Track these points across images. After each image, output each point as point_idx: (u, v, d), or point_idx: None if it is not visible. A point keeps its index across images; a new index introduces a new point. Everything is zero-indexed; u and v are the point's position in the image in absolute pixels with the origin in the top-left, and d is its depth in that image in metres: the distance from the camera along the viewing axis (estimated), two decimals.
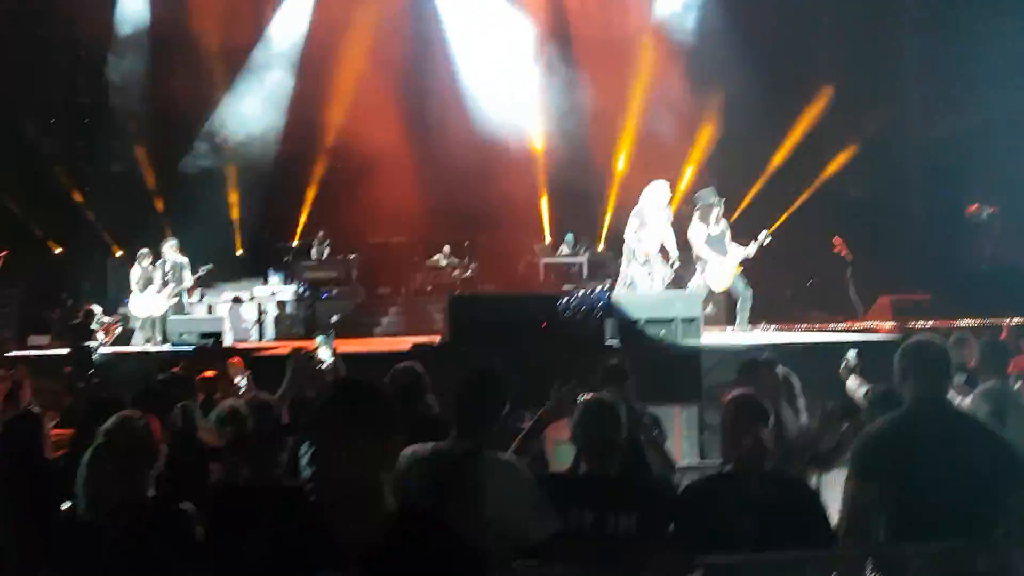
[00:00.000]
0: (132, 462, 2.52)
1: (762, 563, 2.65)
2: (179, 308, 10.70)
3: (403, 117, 14.74)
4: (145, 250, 10.77)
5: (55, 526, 2.56)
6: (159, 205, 14.04)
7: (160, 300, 10.67)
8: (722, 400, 3.00)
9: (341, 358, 3.76)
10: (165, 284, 10.67)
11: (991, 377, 4.25)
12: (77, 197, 13.62)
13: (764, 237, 9.34)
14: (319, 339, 3.65)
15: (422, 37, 15.08)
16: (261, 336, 12.08)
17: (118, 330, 10.69)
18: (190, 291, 11.07)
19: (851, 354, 4.90)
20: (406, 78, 14.66)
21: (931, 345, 2.96)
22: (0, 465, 3.53)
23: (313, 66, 14.65)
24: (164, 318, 10.52)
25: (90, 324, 9.29)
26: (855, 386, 4.76)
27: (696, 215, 9.43)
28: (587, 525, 2.71)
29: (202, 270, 10.89)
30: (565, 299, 8.20)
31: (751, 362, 4.40)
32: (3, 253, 10.48)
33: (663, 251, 9.22)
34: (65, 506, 2.57)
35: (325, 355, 3.61)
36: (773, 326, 10.45)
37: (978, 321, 9.52)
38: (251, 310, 12.30)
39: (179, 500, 2.59)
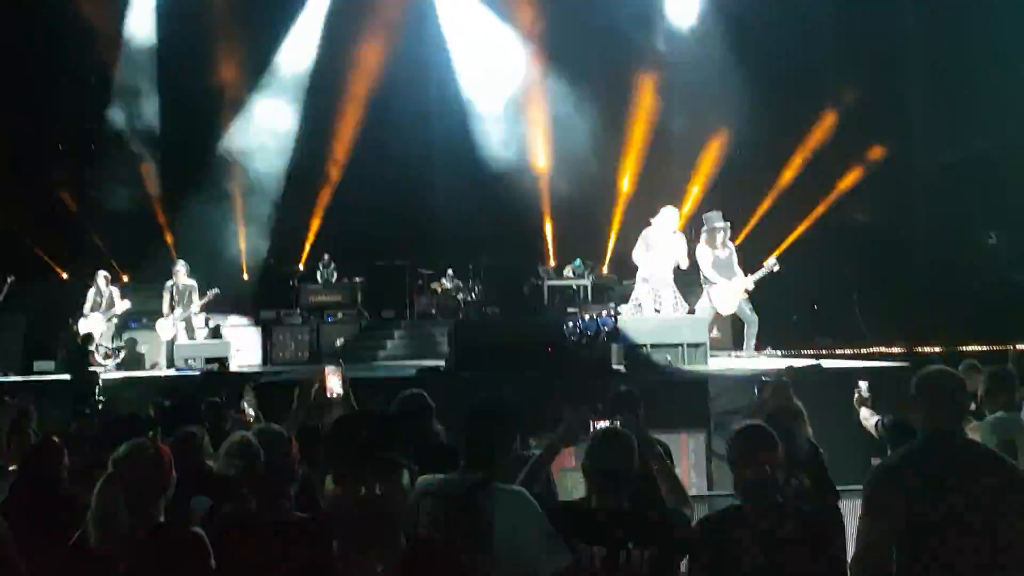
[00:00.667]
0: (143, 490, 2.51)
1: None
2: (189, 331, 10.72)
3: (407, 141, 14.85)
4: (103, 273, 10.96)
5: (68, 555, 2.54)
6: (165, 230, 14.13)
7: (167, 324, 10.72)
8: (732, 429, 2.96)
9: (351, 388, 3.73)
10: (173, 308, 10.71)
11: (999, 407, 4.19)
12: (81, 222, 13.70)
13: (772, 264, 9.32)
14: (329, 368, 3.62)
15: (426, 61, 15.23)
16: (266, 361, 12.08)
17: (121, 355, 10.70)
18: (197, 314, 11.09)
19: (863, 385, 4.86)
20: (410, 102, 14.78)
21: (946, 375, 2.90)
22: (21, 494, 3.52)
23: (321, 91, 14.83)
24: (172, 342, 10.54)
25: (88, 348, 9.30)
26: (867, 416, 4.73)
27: (703, 238, 9.44)
28: (599, 560, 2.68)
29: (210, 294, 10.91)
30: (571, 323, 8.20)
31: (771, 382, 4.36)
32: (9, 280, 10.50)
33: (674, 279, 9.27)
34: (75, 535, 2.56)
35: (335, 384, 3.58)
36: (779, 351, 10.40)
37: (984, 347, 9.47)
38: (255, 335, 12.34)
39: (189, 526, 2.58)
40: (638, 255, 9.27)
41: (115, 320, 10.88)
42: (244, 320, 12.61)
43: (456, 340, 8.57)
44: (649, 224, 9.30)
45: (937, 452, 2.78)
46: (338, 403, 3.61)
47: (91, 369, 8.97)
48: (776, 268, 9.31)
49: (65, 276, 13.72)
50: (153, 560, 2.43)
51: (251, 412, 5.33)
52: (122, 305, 10.78)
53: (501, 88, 15.07)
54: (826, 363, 8.82)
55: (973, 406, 4.65)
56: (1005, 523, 2.67)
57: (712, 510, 3.36)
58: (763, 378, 4.90)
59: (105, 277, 11.00)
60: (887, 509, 2.72)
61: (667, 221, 9.23)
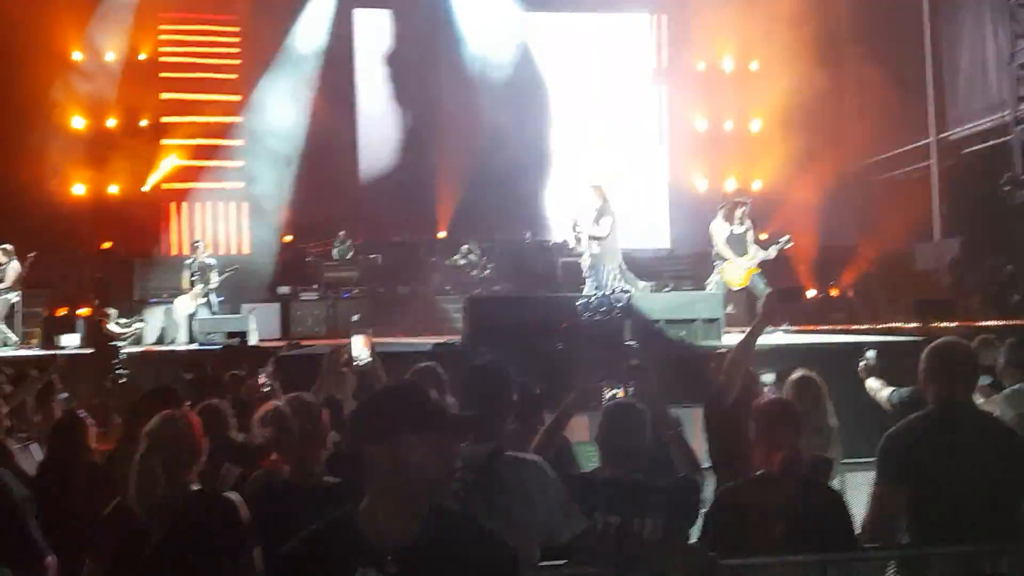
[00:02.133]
0: (178, 458, 2.60)
1: (786, 566, 2.69)
2: (208, 307, 10.90)
3: (422, 120, 14.85)
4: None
5: (106, 521, 2.64)
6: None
7: (187, 299, 10.89)
8: (754, 405, 3.00)
9: (379, 356, 3.76)
10: (193, 284, 10.88)
11: (1016, 380, 4.17)
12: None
13: (785, 241, 9.33)
14: (355, 337, 3.65)
15: (437, 43, 15.21)
16: (285, 336, 12.22)
17: (137, 329, 10.89)
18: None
19: (870, 353, 4.82)
20: (424, 82, 14.77)
21: (958, 346, 2.95)
22: (51, 468, 3.63)
23: (334, 69, 14.85)
24: (192, 317, 10.72)
25: (107, 325, 9.44)
26: (877, 387, 4.71)
27: (720, 213, 9.43)
28: (613, 528, 2.74)
29: (228, 271, 11.09)
30: (585, 299, 8.23)
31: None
32: (32, 255, 10.65)
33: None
34: (114, 503, 2.66)
35: (361, 353, 3.61)
36: (794, 327, 10.41)
37: (1002, 322, 9.44)
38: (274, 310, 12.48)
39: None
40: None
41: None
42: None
43: (471, 316, 8.64)
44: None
45: (947, 422, 2.82)
46: (367, 371, 3.65)
47: (112, 344, 9.12)
48: (789, 244, 9.31)
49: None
50: (191, 524, 2.52)
51: (265, 382, 5.41)
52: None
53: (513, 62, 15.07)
54: (842, 338, 8.85)
55: (990, 379, 4.65)
56: (1014, 491, 2.73)
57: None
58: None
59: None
60: (898, 477, 2.78)
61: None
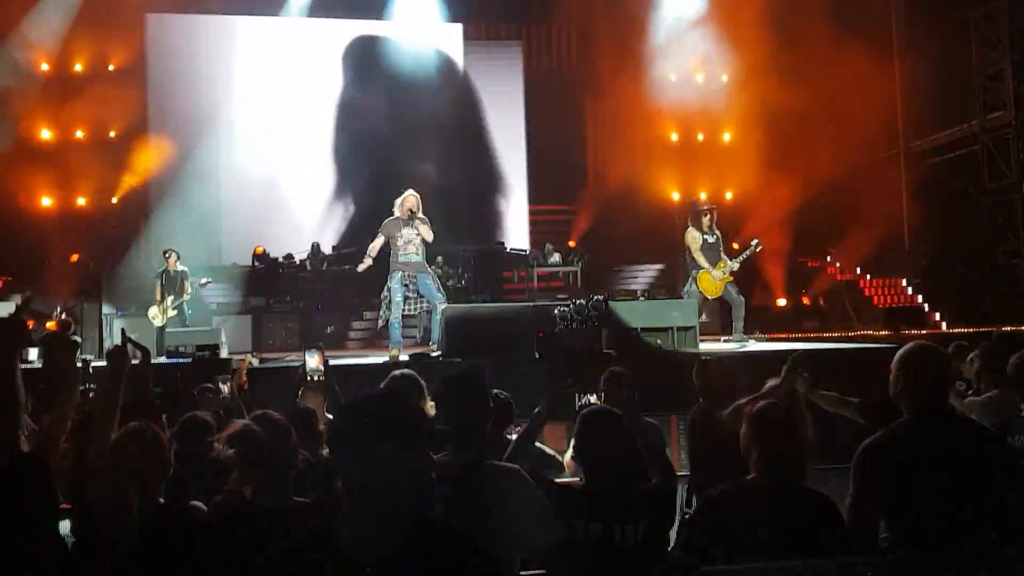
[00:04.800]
0: (144, 473, 2.53)
1: (769, 572, 2.67)
2: (181, 318, 10.72)
3: (395, 129, 14.81)
4: None
5: (69, 542, 2.56)
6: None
7: (158, 311, 10.71)
8: (746, 409, 2.98)
9: (332, 369, 3.71)
10: (164, 295, 10.69)
11: (992, 386, 4.15)
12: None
13: (755, 246, 9.41)
14: (307, 353, 3.60)
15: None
16: (256, 349, 12.06)
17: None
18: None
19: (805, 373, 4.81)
20: (397, 95, 14.76)
21: (931, 351, 2.89)
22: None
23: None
24: (163, 329, 10.53)
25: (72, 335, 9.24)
26: (834, 399, 4.69)
27: (690, 223, 9.50)
28: (594, 537, 2.72)
29: (202, 281, 10.93)
30: (561, 308, 8.22)
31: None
32: (27, 295, 10.44)
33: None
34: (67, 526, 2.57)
35: (315, 368, 3.56)
36: (765, 336, 10.49)
37: (972, 329, 9.58)
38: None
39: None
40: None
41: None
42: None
43: (447, 327, 8.59)
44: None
45: (925, 429, 2.78)
46: (318, 386, 3.59)
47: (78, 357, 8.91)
48: (759, 248, 9.41)
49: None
50: (155, 537, 2.45)
51: (225, 390, 5.32)
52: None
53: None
54: (813, 346, 8.90)
55: (963, 385, 4.66)
56: (994, 498, 2.72)
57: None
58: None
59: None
60: (877, 487, 2.74)
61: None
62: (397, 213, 8.50)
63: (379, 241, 8.61)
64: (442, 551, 1.72)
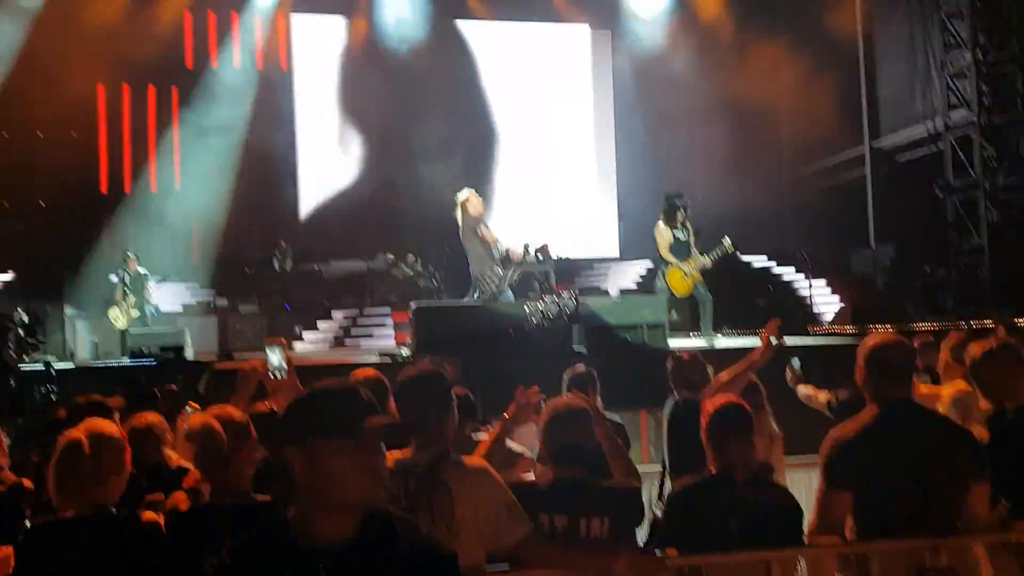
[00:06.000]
0: (98, 470, 2.47)
1: (731, 564, 2.68)
2: (142, 320, 10.55)
3: (366, 128, 14.71)
4: None
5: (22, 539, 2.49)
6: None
7: (119, 312, 10.54)
8: (704, 406, 3.00)
9: (294, 367, 3.64)
10: (125, 296, 10.53)
11: (958, 379, 4.10)
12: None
13: (728, 243, 9.42)
14: (269, 348, 3.52)
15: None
16: (222, 349, 11.90)
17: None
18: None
19: (795, 362, 4.86)
20: (360, 94, 14.66)
21: (895, 344, 2.94)
22: None
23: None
24: (125, 331, 10.36)
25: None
26: (811, 393, 4.74)
27: (661, 218, 9.48)
28: (560, 528, 2.71)
29: (162, 283, 10.80)
30: (531, 306, 8.21)
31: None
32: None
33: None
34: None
35: (277, 364, 3.48)
36: (734, 331, 10.57)
37: (936, 325, 9.72)
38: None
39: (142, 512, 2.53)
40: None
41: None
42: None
43: (418, 326, 8.55)
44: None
45: (891, 420, 2.81)
46: (284, 383, 3.52)
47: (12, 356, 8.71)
48: (730, 247, 9.42)
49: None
50: (109, 544, 2.39)
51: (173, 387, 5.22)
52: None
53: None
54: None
55: (928, 378, 4.72)
56: (956, 487, 2.76)
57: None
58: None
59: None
60: (845, 478, 2.77)
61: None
62: (473, 212, 8.80)
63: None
64: (396, 543, 1.72)
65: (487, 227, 9.06)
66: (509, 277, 8.92)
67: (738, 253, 9.67)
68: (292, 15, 15.18)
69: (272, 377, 3.39)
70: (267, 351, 3.43)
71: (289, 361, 3.44)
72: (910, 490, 2.72)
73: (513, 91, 15.82)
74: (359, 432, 1.65)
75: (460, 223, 8.98)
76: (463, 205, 8.93)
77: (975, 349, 3.33)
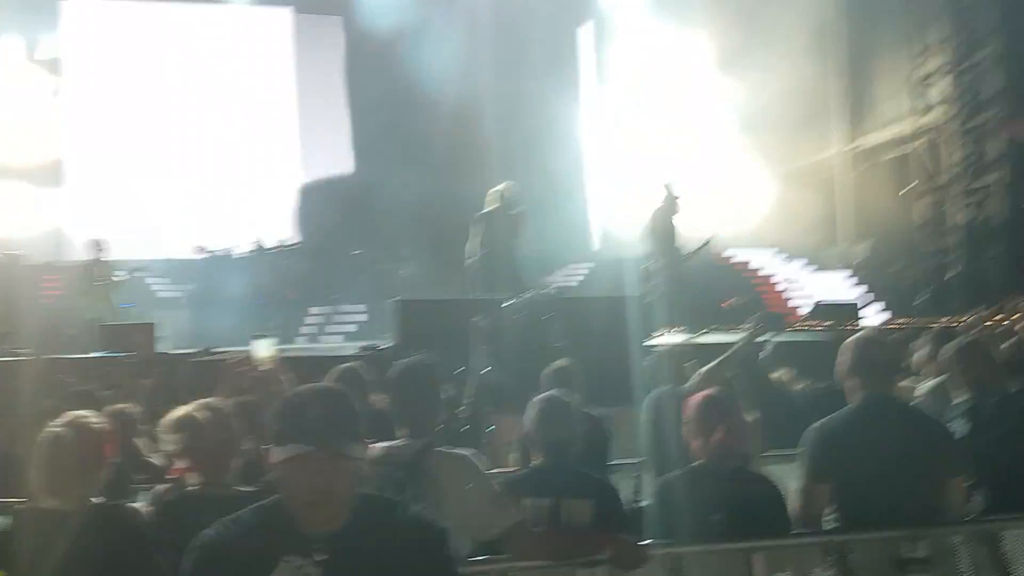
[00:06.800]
0: (76, 468, 2.45)
1: (714, 553, 2.72)
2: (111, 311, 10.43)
3: (351, 121, 14.61)
4: None
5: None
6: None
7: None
8: (687, 399, 3.05)
9: (280, 361, 3.65)
10: (96, 287, 10.41)
11: (938, 375, 4.10)
12: None
13: (708, 240, 9.52)
14: (255, 342, 3.53)
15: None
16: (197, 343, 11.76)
17: None
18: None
19: (769, 346, 4.94)
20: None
21: (878, 340, 3.03)
22: None
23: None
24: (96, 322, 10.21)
25: None
26: (786, 380, 4.81)
27: (652, 213, 9.54)
28: (545, 512, 2.74)
29: (136, 273, 10.68)
30: (513, 301, 8.19)
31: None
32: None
33: None
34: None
35: (262, 356, 3.49)
36: (711, 328, 10.64)
37: (908, 322, 9.88)
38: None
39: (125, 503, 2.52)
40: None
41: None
42: None
43: (401, 319, 8.50)
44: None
45: (873, 416, 2.87)
46: (268, 376, 3.52)
47: None
48: (710, 242, 9.52)
49: None
50: (91, 535, 2.37)
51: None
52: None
53: None
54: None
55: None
56: (935, 480, 2.81)
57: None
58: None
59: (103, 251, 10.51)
60: (826, 472, 2.83)
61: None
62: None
63: None
64: (388, 523, 1.75)
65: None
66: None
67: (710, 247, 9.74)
68: None
69: (259, 370, 3.39)
70: (254, 344, 3.44)
71: (275, 354, 3.45)
72: (890, 482, 2.78)
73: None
74: (329, 441, 1.66)
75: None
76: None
77: (952, 344, 3.40)
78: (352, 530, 1.69)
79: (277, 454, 1.67)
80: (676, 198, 9.48)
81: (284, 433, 1.67)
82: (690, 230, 9.96)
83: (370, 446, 2.69)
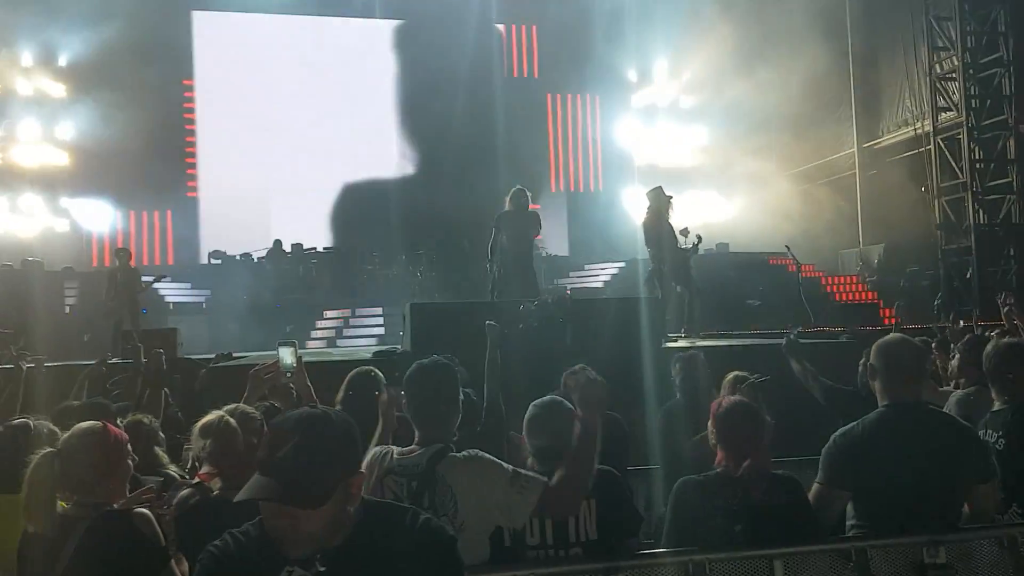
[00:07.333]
0: (90, 474, 2.47)
1: (731, 560, 2.70)
2: (133, 317, 10.50)
3: (357, 127, 14.65)
4: None
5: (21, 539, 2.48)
6: None
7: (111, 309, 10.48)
8: (713, 406, 3.01)
9: (304, 368, 3.67)
10: (117, 294, 10.48)
11: (972, 382, 3.97)
12: None
13: (697, 240, 9.50)
14: (281, 348, 3.54)
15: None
16: (214, 348, 11.84)
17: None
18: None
19: (793, 333, 4.85)
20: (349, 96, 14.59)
21: (907, 344, 2.91)
22: None
23: None
24: (118, 326, 10.31)
25: None
26: (805, 372, 4.71)
27: (647, 214, 9.50)
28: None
29: (155, 279, 10.75)
30: (526, 304, 8.19)
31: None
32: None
33: None
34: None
35: (289, 364, 3.51)
36: (721, 331, 10.61)
37: (923, 325, 9.80)
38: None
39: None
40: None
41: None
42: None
43: (413, 323, 8.51)
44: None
45: (899, 420, 2.80)
46: (293, 382, 3.53)
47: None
48: (699, 241, 9.48)
49: None
50: (101, 541, 2.39)
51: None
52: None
53: None
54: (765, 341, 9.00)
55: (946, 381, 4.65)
56: (961, 487, 2.76)
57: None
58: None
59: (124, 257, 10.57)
60: (847, 478, 2.78)
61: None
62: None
63: None
64: (393, 532, 1.73)
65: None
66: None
67: (701, 247, 9.74)
68: None
69: (285, 375, 3.41)
70: (280, 351, 3.45)
71: (300, 360, 3.47)
72: (914, 488, 2.73)
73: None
74: (291, 493, 1.63)
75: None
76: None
77: (988, 348, 3.30)
78: (357, 541, 1.68)
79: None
80: (669, 198, 9.44)
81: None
82: (698, 230, 9.93)
83: (384, 455, 2.70)
